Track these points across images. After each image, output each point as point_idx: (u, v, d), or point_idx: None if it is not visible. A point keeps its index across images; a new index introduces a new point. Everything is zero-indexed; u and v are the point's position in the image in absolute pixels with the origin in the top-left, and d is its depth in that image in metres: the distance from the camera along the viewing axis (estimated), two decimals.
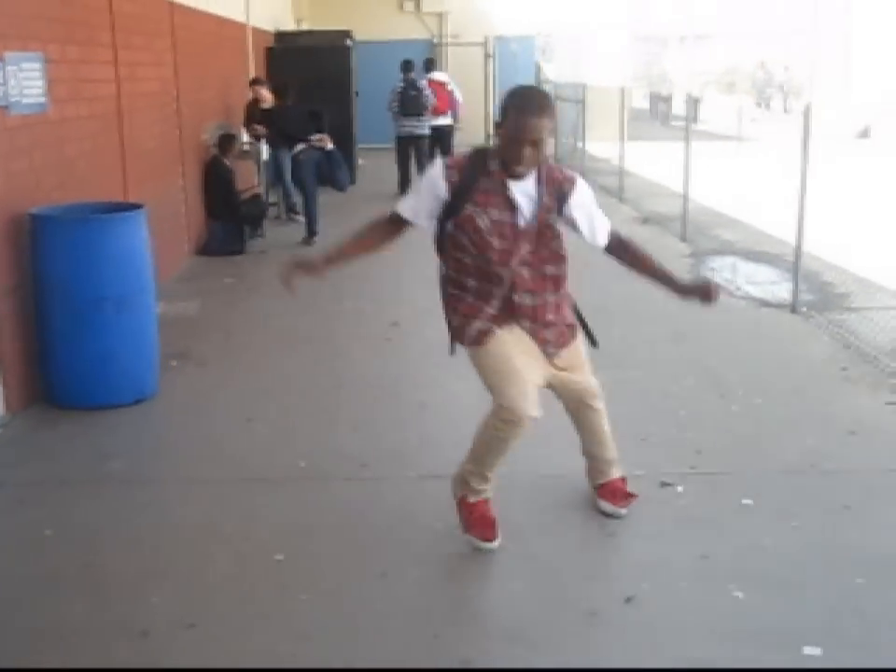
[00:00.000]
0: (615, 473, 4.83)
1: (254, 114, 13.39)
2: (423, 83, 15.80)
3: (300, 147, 12.09)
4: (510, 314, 4.27)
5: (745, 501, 4.89)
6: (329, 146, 12.05)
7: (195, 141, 11.55)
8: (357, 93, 17.81)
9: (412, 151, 15.97)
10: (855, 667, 3.58)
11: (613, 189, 15.84)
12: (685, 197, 12.21)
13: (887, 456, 5.50)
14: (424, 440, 5.73)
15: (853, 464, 5.38)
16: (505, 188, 4.11)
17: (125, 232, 6.28)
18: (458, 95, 16.89)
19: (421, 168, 16.12)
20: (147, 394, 6.42)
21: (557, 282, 4.43)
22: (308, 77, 15.55)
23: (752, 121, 26.58)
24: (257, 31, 16.30)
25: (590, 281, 9.70)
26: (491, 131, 23.89)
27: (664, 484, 5.07)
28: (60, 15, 7.28)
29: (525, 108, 4.00)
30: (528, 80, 23.50)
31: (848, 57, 29.46)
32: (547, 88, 22.43)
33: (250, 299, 9.35)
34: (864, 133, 26.58)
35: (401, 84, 15.70)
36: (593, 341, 4.75)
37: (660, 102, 39.21)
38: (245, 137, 13.39)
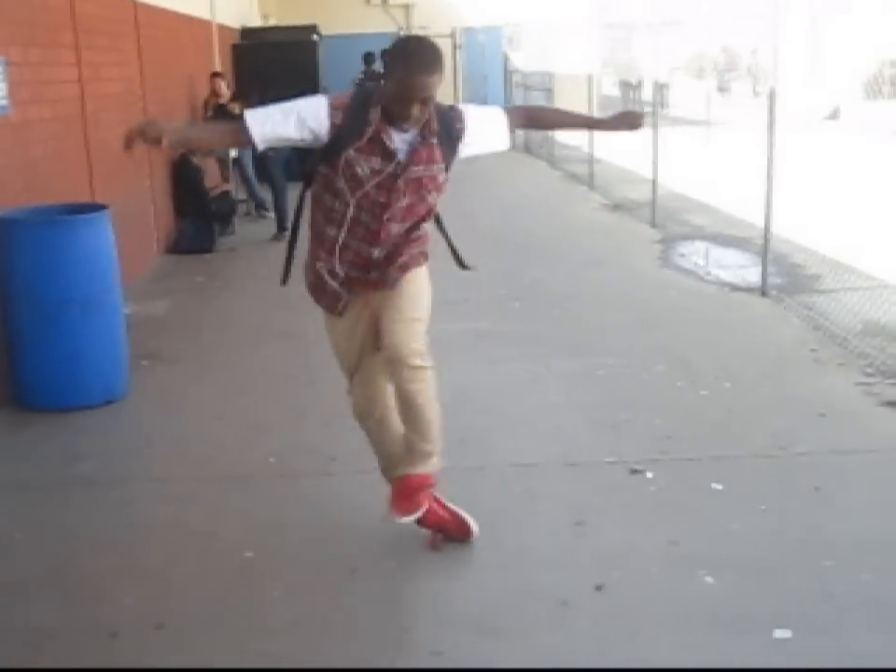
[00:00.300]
0: (418, 468, 4.21)
1: (211, 108, 13.39)
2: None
3: None
4: (362, 268, 4.08)
5: (715, 486, 4.90)
6: None
7: None
8: (324, 88, 17.76)
9: None
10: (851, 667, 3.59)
11: (583, 176, 15.88)
12: (654, 183, 12.24)
13: (857, 438, 5.51)
14: None
15: (823, 446, 5.40)
16: (387, 137, 3.87)
17: (90, 233, 6.25)
18: None
19: None
20: (118, 394, 6.39)
21: (421, 240, 4.22)
22: (275, 73, 15.53)
23: (719, 106, 26.62)
24: (222, 28, 16.25)
25: (561, 269, 9.79)
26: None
27: (633, 471, 5.08)
28: (21, 17, 7.23)
29: (415, 65, 3.74)
30: (497, 70, 23.55)
31: (816, 39, 29.54)
32: (515, 78, 22.49)
33: (221, 296, 9.33)
34: (834, 115, 26.65)
35: (360, 75, 15.85)
36: (461, 263, 4.56)
37: (629, 89, 39.26)
38: None
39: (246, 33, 18.53)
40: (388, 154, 3.89)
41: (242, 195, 13.80)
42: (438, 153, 3.97)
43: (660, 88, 18.27)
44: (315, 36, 17.76)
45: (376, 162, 3.88)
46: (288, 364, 7.07)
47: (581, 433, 5.67)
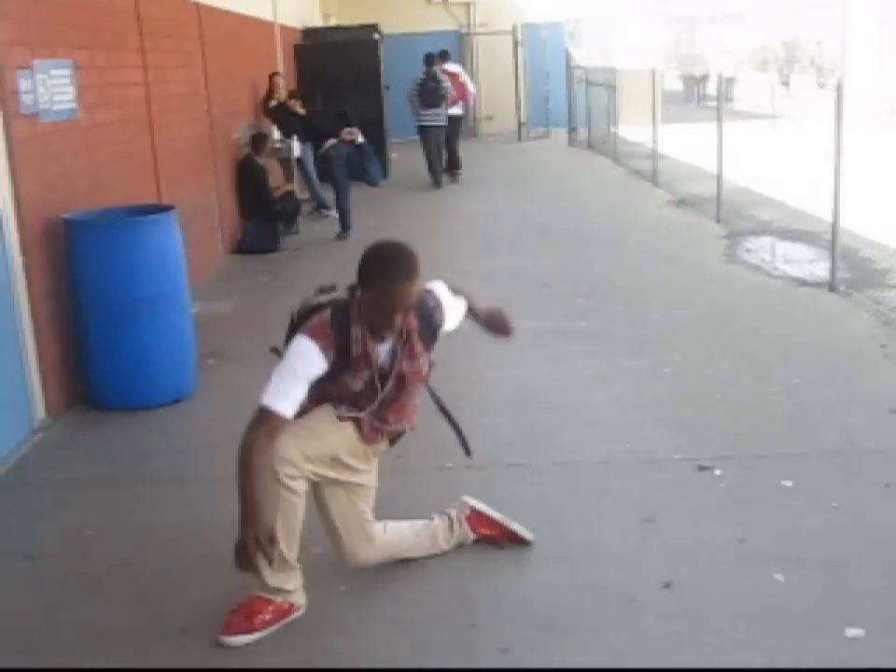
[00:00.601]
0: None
1: (272, 109, 13.55)
2: (442, 76, 16.00)
3: (330, 142, 12.15)
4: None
5: (784, 483, 4.85)
6: (360, 139, 12.10)
7: (226, 141, 11.60)
8: (387, 87, 17.82)
9: (435, 140, 16.24)
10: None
11: (647, 172, 15.78)
12: (719, 178, 12.12)
13: None
14: None
15: (894, 442, 5.33)
16: (372, 350, 3.75)
17: (157, 234, 6.32)
18: (470, 86, 17.54)
19: (450, 154, 16.40)
20: (186, 393, 6.47)
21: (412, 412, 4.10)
22: (337, 73, 15.63)
23: (782, 99, 26.35)
24: (284, 28, 16.35)
25: (625, 265, 9.74)
26: (521, 119, 23.89)
27: (702, 468, 5.04)
28: (87, 21, 7.34)
29: (394, 276, 3.57)
30: (558, 67, 23.44)
31: (883, 32, 29.12)
32: (577, 74, 22.38)
33: (285, 296, 9.28)
34: None
35: (422, 76, 15.89)
36: (466, 449, 4.34)
37: (693, 83, 38.99)
38: (277, 135, 13.45)
39: (308, 33, 18.63)
40: (375, 366, 3.77)
41: (305, 195, 13.88)
42: (419, 348, 3.85)
43: (725, 81, 18.11)
44: (376, 36, 17.80)
45: (366, 376, 3.78)
46: None
47: (648, 430, 5.63)
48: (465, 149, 17.70)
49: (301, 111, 13.00)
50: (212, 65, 10.91)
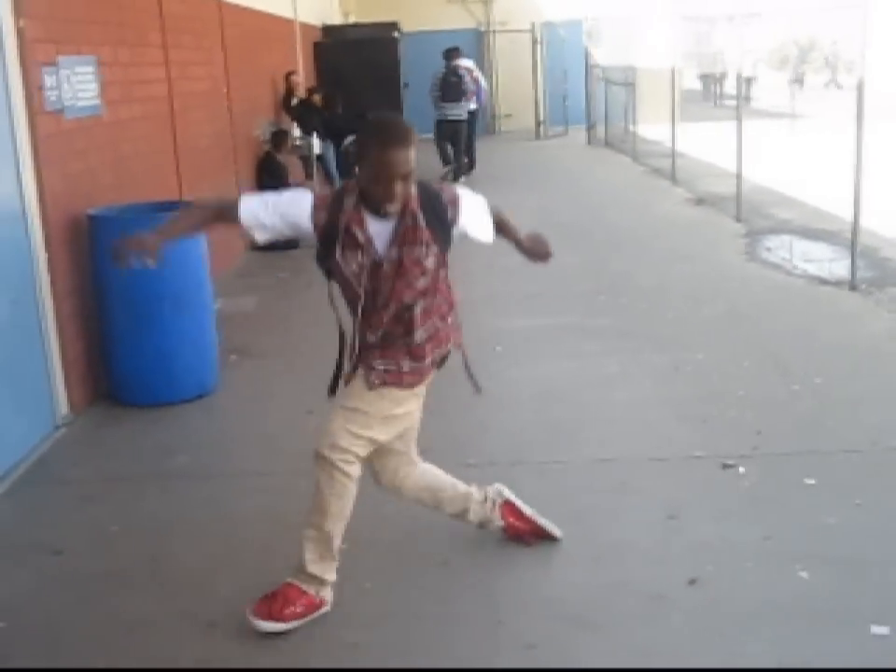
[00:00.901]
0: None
1: (294, 106, 13.60)
2: (464, 71, 16.03)
3: (350, 139, 12.20)
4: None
5: (808, 481, 4.84)
6: None
7: (247, 137, 11.63)
8: (406, 85, 17.84)
9: (450, 134, 16.22)
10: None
11: (667, 171, 15.74)
12: (738, 176, 12.09)
13: None
14: (482, 426, 5.73)
15: None
16: (358, 226, 3.67)
17: None
18: (483, 82, 17.57)
19: (464, 148, 16.37)
20: (208, 389, 6.49)
21: (423, 316, 3.91)
22: (357, 71, 15.66)
23: (799, 98, 26.25)
24: (304, 26, 16.38)
25: (646, 263, 9.73)
26: (540, 117, 23.88)
27: (725, 466, 5.04)
28: (111, 18, 7.36)
29: (389, 141, 3.55)
30: (577, 65, 23.41)
31: None
32: (596, 72, 22.35)
33: (307, 292, 9.37)
34: None
35: (443, 70, 15.90)
36: (475, 385, 4.29)
37: (712, 81, 38.87)
38: (297, 132, 13.49)
39: (328, 30, 18.67)
40: (367, 244, 3.69)
41: None
42: (425, 234, 3.71)
43: (744, 80, 18.05)
44: (395, 33, 17.84)
45: (359, 257, 3.70)
46: None
47: (670, 428, 5.63)
48: (482, 146, 17.70)
49: (320, 104, 13.11)
50: (233, 62, 10.94)
